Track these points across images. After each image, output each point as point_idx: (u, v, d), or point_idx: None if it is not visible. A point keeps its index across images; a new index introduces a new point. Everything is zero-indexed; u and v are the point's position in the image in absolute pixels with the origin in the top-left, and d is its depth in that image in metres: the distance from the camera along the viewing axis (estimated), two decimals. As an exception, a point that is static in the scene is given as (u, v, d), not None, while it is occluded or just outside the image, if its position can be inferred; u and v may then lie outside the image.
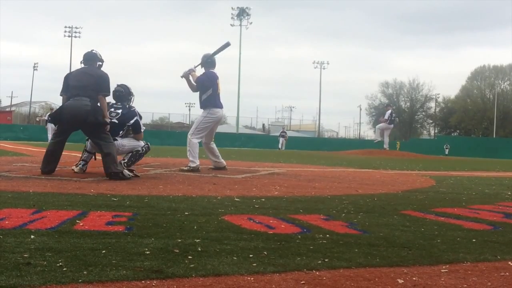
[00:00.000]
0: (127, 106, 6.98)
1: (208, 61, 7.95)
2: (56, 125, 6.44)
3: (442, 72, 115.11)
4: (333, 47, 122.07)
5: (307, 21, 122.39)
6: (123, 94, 7.00)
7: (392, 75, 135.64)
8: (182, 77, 7.92)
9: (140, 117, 7.03)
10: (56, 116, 6.33)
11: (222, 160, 8.22)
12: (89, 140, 6.69)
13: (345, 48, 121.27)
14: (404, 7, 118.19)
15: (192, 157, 7.66)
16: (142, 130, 7.01)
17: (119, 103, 6.98)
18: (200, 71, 8.02)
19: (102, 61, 6.61)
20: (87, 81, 6.24)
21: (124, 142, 6.84)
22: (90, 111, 6.09)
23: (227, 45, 8.07)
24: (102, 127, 6.26)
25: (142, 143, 7.04)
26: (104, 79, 6.35)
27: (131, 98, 7.13)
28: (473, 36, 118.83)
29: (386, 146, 21.62)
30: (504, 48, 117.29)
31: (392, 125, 21.13)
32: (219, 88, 7.98)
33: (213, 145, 8.19)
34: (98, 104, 6.26)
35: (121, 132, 6.80)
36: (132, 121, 6.88)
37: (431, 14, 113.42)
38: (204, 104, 7.90)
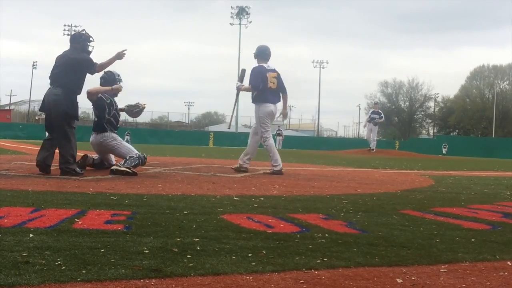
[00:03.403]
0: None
1: (258, 53, 7.80)
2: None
3: (441, 71, 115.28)
4: (332, 46, 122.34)
5: (306, 20, 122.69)
6: (106, 79, 6.90)
7: (391, 74, 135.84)
8: (238, 90, 7.91)
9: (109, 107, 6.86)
10: (42, 106, 6.33)
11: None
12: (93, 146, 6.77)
13: (345, 48, 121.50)
14: (403, 6, 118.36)
15: (273, 161, 7.58)
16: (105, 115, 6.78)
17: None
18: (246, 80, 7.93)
19: (84, 41, 6.24)
20: (61, 68, 6.04)
21: (116, 142, 6.80)
22: (60, 101, 5.87)
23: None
24: (68, 120, 6.06)
25: (136, 151, 6.84)
26: (77, 62, 6.05)
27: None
28: (472, 36, 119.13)
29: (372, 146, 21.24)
30: (504, 47, 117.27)
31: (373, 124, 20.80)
32: (270, 81, 7.64)
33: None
34: (75, 95, 6.12)
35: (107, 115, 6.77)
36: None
37: (430, 13, 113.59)
38: (254, 100, 7.78)
